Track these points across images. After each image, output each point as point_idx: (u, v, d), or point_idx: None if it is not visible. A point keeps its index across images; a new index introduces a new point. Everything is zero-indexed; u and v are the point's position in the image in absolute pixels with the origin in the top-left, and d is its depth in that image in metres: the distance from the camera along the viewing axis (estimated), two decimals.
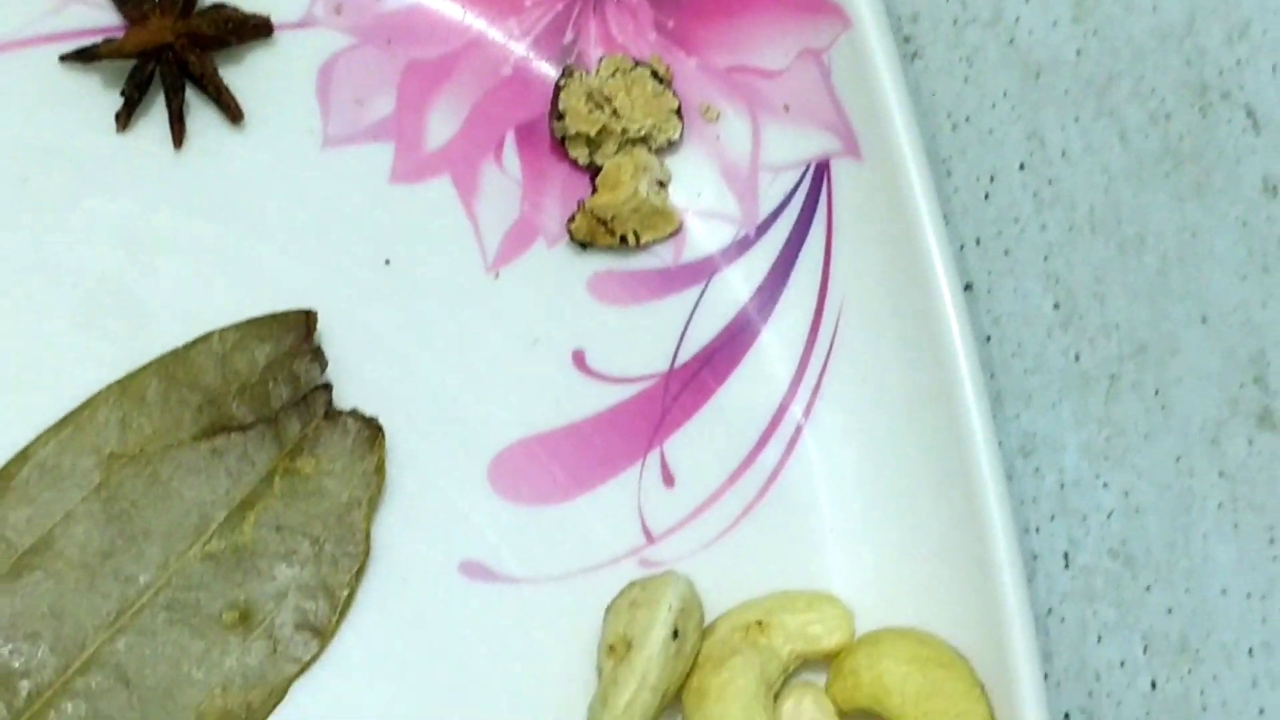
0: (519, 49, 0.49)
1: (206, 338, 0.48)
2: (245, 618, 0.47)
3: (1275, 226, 0.51)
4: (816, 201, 0.49)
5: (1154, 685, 0.50)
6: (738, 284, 0.49)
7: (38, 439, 0.47)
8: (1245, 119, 0.52)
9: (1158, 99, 0.52)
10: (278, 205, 0.49)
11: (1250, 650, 0.51)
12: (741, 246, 0.49)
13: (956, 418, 0.46)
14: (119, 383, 0.47)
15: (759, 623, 0.47)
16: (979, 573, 0.46)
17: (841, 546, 0.48)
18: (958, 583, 0.47)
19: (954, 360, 0.46)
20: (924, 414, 0.47)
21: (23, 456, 0.47)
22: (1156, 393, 0.51)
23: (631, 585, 0.47)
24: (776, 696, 0.47)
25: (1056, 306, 0.51)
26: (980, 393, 0.46)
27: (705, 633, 0.47)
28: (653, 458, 0.48)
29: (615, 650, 0.46)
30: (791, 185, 0.49)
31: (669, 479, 0.48)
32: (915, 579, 0.48)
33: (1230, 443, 0.51)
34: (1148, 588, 0.51)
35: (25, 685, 0.46)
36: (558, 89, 0.48)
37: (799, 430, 0.48)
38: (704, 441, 0.49)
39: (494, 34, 0.49)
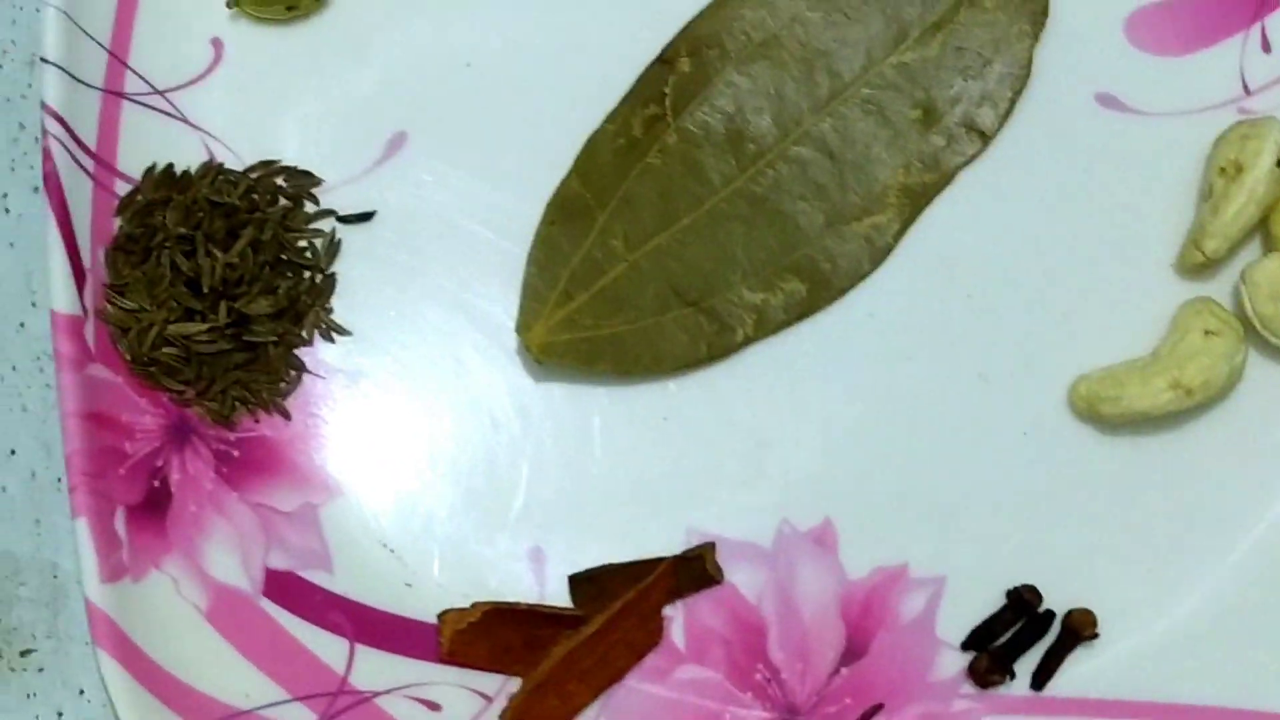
0: None
1: None
2: (927, 116, 0.54)
3: None
4: None
5: None
6: None
7: None
8: None
9: None
10: None
11: None
12: None
13: None
14: None
15: None
16: None
17: None
18: None
19: None
20: None
21: None
22: None
23: (1240, 123, 0.53)
24: None
25: None
26: None
27: None
28: (1255, 29, 0.55)
29: (1226, 171, 0.53)
30: None
31: (1266, 46, 0.55)
32: None
33: None
34: None
35: (750, 147, 0.54)
36: None
37: None
38: None
39: None
